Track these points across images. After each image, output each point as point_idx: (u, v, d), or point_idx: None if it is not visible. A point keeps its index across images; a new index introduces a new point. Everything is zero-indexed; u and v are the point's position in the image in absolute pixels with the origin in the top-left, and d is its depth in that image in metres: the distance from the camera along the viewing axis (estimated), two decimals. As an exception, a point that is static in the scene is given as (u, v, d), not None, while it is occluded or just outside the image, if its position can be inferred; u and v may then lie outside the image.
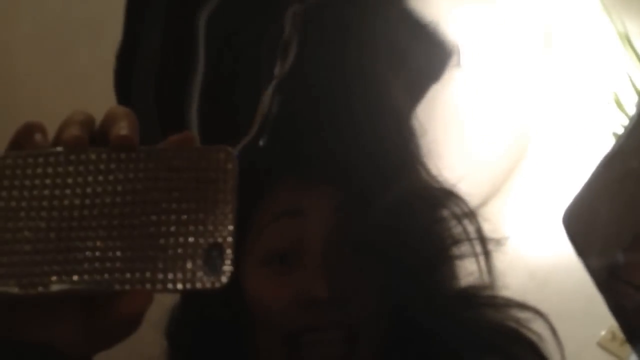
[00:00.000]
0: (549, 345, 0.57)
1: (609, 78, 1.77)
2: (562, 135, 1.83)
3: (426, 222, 0.57)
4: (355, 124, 0.61)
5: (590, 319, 1.57)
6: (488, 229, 0.58)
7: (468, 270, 0.58)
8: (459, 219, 0.57)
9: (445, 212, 0.57)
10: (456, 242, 0.57)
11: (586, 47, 1.81)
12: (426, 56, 0.78)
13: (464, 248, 0.57)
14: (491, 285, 0.57)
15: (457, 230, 0.57)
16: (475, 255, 0.57)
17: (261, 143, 0.62)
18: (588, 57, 1.82)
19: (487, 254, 0.57)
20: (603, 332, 1.64)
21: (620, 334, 1.52)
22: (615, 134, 1.65)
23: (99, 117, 0.41)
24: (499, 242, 0.57)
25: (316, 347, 0.54)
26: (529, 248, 1.71)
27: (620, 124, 1.68)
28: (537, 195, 1.79)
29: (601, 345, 1.63)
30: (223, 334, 0.57)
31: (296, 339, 0.55)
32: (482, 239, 0.57)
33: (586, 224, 0.69)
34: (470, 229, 0.57)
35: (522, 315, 0.57)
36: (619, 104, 1.71)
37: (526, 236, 1.72)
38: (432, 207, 0.58)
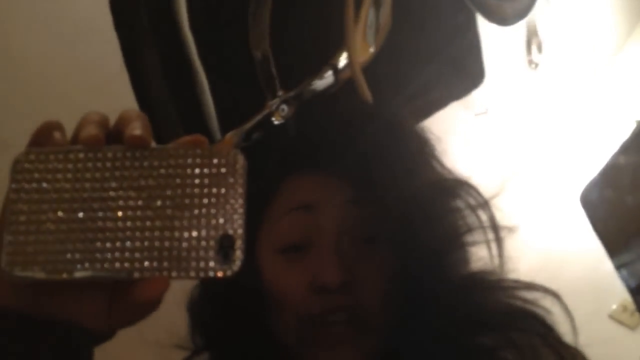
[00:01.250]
0: (558, 318, 0.57)
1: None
2: (580, 122, 1.84)
3: (440, 211, 0.58)
4: (369, 120, 0.62)
5: (602, 294, 1.61)
6: (500, 217, 0.59)
7: (478, 256, 0.59)
8: (472, 208, 0.58)
9: (459, 202, 0.59)
10: (469, 229, 0.58)
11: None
12: (451, 84, 0.81)
13: (477, 235, 0.58)
14: (500, 270, 0.58)
15: (470, 218, 0.58)
16: (487, 242, 0.58)
17: (255, 136, 0.65)
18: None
19: (498, 240, 0.58)
20: (614, 306, 1.68)
21: (631, 306, 1.56)
22: (637, 121, 1.66)
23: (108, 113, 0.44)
24: (510, 229, 0.58)
25: (328, 331, 0.56)
26: (545, 226, 1.74)
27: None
28: (556, 176, 1.81)
29: (612, 317, 1.68)
30: (242, 311, 0.59)
31: (309, 322, 0.56)
32: (495, 227, 0.58)
33: (604, 199, 0.72)
34: (483, 217, 0.58)
35: (531, 295, 0.57)
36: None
37: (542, 216, 1.75)
38: (446, 197, 0.59)
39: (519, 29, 0.91)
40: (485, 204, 0.58)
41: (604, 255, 0.87)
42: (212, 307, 0.62)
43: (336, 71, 0.69)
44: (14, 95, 1.46)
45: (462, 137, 0.65)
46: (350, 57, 0.66)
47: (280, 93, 0.69)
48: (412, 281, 0.56)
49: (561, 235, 1.72)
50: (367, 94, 0.64)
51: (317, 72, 0.69)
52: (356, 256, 0.57)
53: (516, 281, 0.58)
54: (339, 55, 0.68)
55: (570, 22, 1.67)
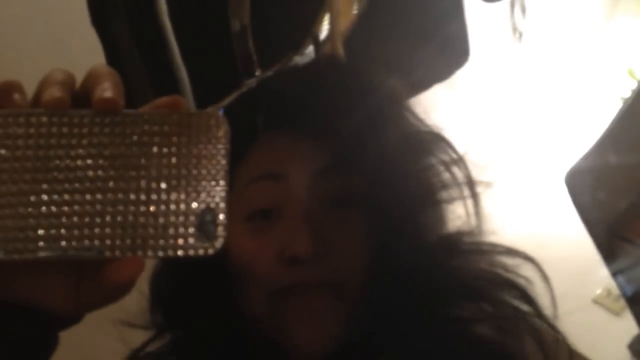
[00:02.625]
0: (538, 289, 0.55)
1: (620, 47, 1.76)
2: (567, 100, 1.84)
3: (412, 167, 0.55)
4: (334, 73, 0.59)
5: (587, 279, 1.61)
6: (476, 172, 0.56)
7: (456, 215, 0.56)
8: (446, 165, 0.55)
9: (433, 159, 0.56)
10: (444, 186, 0.55)
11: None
12: (437, 59, 0.79)
13: (452, 191, 0.56)
14: (479, 229, 0.56)
15: (445, 175, 0.55)
16: (463, 198, 0.55)
17: (248, 100, 0.60)
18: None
19: (475, 197, 0.55)
20: (599, 291, 1.68)
21: (614, 291, 1.56)
22: (623, 98, 1.65)
23: (79, 75, 0.39)
24: (487, 184, 0.56)
25: (302, 306, 0.52)
26: (528, 209, 1.74)
27: (629, 89, 1.69)
28: (541, 158, 1.80)
29: (596, 301, 1.68)
30: (206, 285, 0.55)
31: (281, 296, 0.53)
32: (470, 183, 0.55)
33: (591, 182, 0.71)
34: (458, 174, 0.55)
35: (510, 261, 0.55)
36: (632, 73, 1.71)
37: (525, 198, 1.74)
38: (418, 152, 0.56)
39: (504, 5, 0.89)
40: (459, 160, 0.55)
41: (588, 239, 0.86)
42: (174, 281, 0.57)
43: (317, 44, 0.67)
44: None
45: (445, 116, 0.62)
46: (331, 19, 0.63)
47: (257, 72, 0.66)
48: (385, 245, 0.53)
49: (544, 218, 1.71)
50: (340, 49, 0.61)
51: (297, 48, 0.67)
52: (328, 224, 0.53)
53: (496, 245, 0.55)
54: (321, 19, 0.65)
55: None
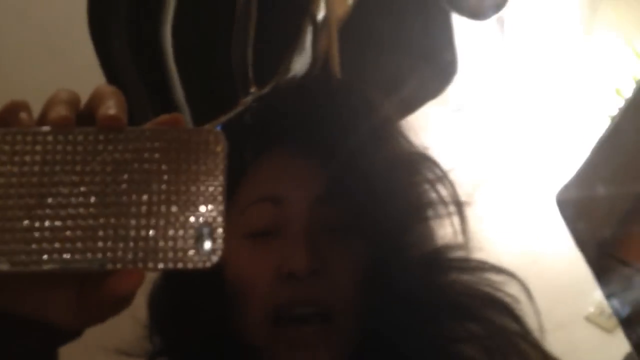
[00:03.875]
0: (524, 307, 0.55)
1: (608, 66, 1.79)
2: (557, 118, 1.85)
3: (398, 186, 0.57)
4: (330, 94, 0.61)
5: (579, 297, 1.61)
6: (464, 190, 0.57)
7: (442, 234, 0.57)
8: (432, 183, 0.57)
9: (420, 177, 0.57)
10: (430, 203, 0.57)
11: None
12: (424, 75, 0.80)
13: (438, 209, 0.57)
14: (465, 246, 0.57)
15: (431, 193, 0.57)
16: (449, 215, 0.56)
17: (247, 119, 0.62)
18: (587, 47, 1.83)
19: (461, 214, 0.56)
20: (591, 309, 1.68)
21: (607, 309, 1.56)
22: (611, 117, 1.67)
23: (84, 95, 0.40)
24: (467, 202, 0.57)
25: (297, 330, 0.53)
26: (521, 228, 1.74)
27: (616, 107, 1.71)
28: (530, 177, 1.82)
29: (589, 319, 1.68)
30: (204, 307, 0.56)
31: (276, 317, 0.53)
32: (456, 201, 0.56)
33: (581, 202, 0.72)
34: (444, 192, 0.56)
35: (497, 278, 0.56)
36: (619, 92, 1.74)
37: (518, 217, 1.75)
38: (407, 173, 0.57)
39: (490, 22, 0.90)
40: (444, 178, 0.57)
41: (581, 257, 0.86)
42: (172, 303, 0.58)
43: (315, 28, 0.67)
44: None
45: (436, 134, 0.63)
46: (327, 10, 0.64)
47: (252, 90, 0.67)
48: (376, 267, 0.54)
49: (537, 236, 1.72)
50: (336, 64, 0.62)
51: (290, 57, 0.67)
52: (325, 247, 0.54)
53: (482, 262, 0.56)
54: (317, 4, 0.66)
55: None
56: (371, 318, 0.54)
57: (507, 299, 0.55)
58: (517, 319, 0.55)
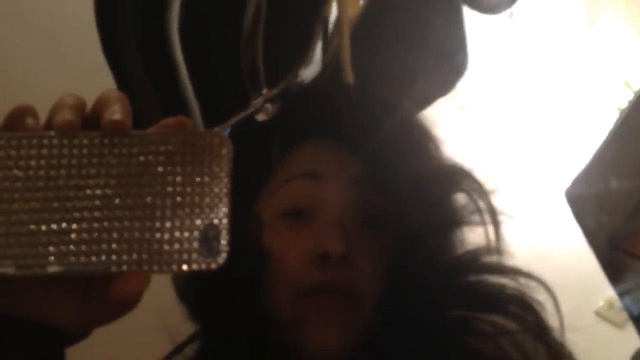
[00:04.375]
0: (549, 316, 0.57)
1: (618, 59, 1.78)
2: (566, 112, 1.84)
3: (439, 195, 0.59)
4: (381, 108, 0.62)
5: (589, 291, 1.60)
6: (498, 204, 0.59)
7: (477, 241, 0.59)
8: (470, 194, 0.59)
9: (458, 189, 0.59)
10: (467, 211, 0.59)
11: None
12: (437, 73, 0.80)
13: (474, 217, 0.59)
14: (498, 251, 0.58)
15: (468, 203, 0.59)
16: (484, 223, 0.58)
17: (259, 119, 0.62)
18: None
19: (496, 223, 0.58)
20: (601, 303, 1.67)
21: (617, 303, 1.56)
22: (620, 109, 1.66)
23: (89, 98, 0.41)
24: (508, 215, 0.58)
25: (323, 307, 0.55)
26: (530, 221, 1.74)
27: (625, 99, 1.70)
28: (541, 171, 1.81)
29: (598, 314, 1.67)
30: (239, 289, 0.56)
31: (306, 297, 0.55)
32: (492, 210, 0.58)
33: (590, 196, 0.72)
34: (481, 202, 0.59)
35: (527, 283, 0.57)
36: (628, 84, 1.73)
37: (527, 210, 1.74)
38: (447, 182, 0.59)
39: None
40: (484, 193, 0.58)
41: (590, 251, 0.86)
42: (200, 279, 0.58)
43: (326, 30, 0.66)
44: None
45: (444, 131, 0.64)
46: (339, 10, 0.64)
47: (264, 91, 0.67)
48: (405, 263, 0.56)
49: (546, 230, 1.71)
50: (349, 72, 0.63)
51: (301, 60, 0.67)
52: (356, 235, 0.56)
53: (514, 268, 0.58)
54: (329, 5, 0.66)
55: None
56: (393, 307, 0.55)
57: (536, 304, 0.56)
58: (540, 319, 0.56)
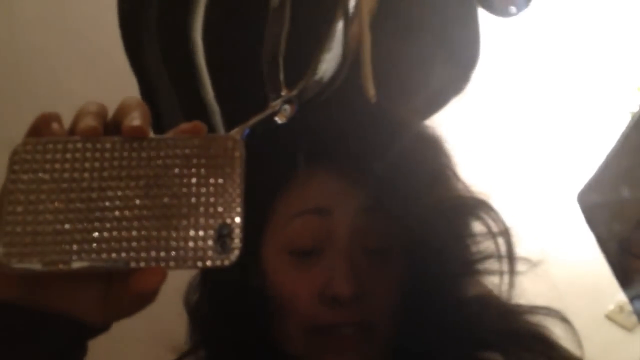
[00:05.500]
0: (569, 345, 0.56)
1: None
2: (577, 116, 1.84)
3: (458, 231, 0.56)
4: (392, 122, 0.60)
5: (599, 295, 1.60)
6: (519, 246, 0.56)
7: (489, 281, 0.57)
8: (492, 233, 0.56)
9: (478, 225, 0.56)
10: (485, 257, 0.56)
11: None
12: (452, 63, 0.79)
13: (492, 264, 0.56)
14: (508, 295, 0.56)
15: (487, 244, 0.56)
16: (501, 273, 0.56)
17: (279, 121, 0.62)
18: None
19: (512, 273, 0.55)
20: (611, 307, 1.67)
21: (627, 307, 1.56)
22: (631, 113, 1.66)
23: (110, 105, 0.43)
24: (529, 262, 0.56)
25: (335, 339, 0.54)
26: (540, 226, 1.73)
27: (637, 104, 1.69)
28: (553, 176, 1.81)
29: (609, 317, 1.67)
30: (243, 313, 0.57)
31: (317, 332, 0.55)
32: (511, 258, 0.55)
33: (602, 201, 0.72)
34: (502, 245, 0.56)
35: (536, 317, 0.56)
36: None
37: (537, 215, 1.74)
38: (466, 217, 0.57)
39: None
40: (505, 231, 0.56)
41: (600, 255, 0.86)
42: (211, 306, 0.60)
43: (347, 21, 0.65)
44: (20, 93, 1.45)
45: (451, 132, 0.63)
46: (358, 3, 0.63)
47: (283, 92, 0.67)
48: (420, 298, 0.55)
49: (556, 234, 1.71)
50: (370, 87, 0.61)
51: (321, 49, 0.66)
52: (367, 267, 0.55)
53: (521, 306, 0.57)
54: None
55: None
56: (407, 335, 0.55)
57: (544, 330, 0.56)
58: (554, 347, 0.56)
